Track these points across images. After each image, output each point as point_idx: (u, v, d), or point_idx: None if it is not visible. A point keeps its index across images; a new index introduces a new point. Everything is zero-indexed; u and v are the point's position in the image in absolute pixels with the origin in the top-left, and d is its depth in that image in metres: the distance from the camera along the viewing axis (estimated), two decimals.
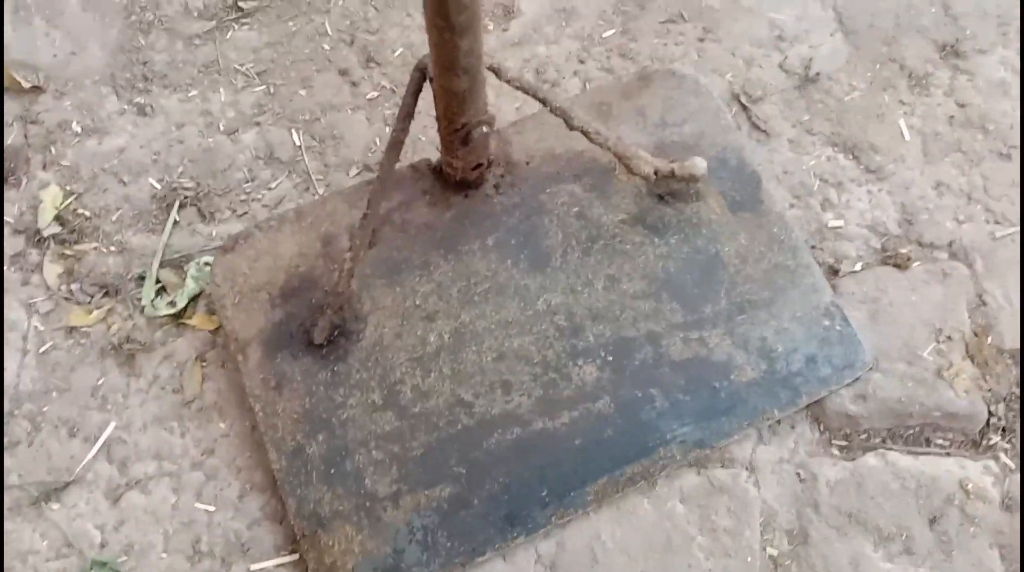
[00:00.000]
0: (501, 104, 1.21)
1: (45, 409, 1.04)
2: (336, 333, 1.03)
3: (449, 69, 0.83)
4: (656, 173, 1.06)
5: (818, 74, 1.23)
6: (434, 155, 1.13)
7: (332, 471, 0.97)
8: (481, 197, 1.11)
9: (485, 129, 0.96)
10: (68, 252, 1.12)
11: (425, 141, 1.18)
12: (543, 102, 1.02)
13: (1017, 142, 1.19)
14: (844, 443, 1.02)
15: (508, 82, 1.00)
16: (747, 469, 1.00)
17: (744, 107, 1.21)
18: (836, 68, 1.24)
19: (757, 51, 1.25)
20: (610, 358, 1.02)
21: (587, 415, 0.99)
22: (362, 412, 1.00)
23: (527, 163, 1.13)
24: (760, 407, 0.99)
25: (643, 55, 1.25)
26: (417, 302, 1.05)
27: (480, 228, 1.09)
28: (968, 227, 1.13)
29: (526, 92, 1.01)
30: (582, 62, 1.26)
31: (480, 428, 0.99)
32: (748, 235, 1.08)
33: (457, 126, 0.94)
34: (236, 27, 1.27)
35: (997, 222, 1.14)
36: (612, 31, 1.28)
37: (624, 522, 0.97)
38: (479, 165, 1.07)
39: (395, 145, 0.98)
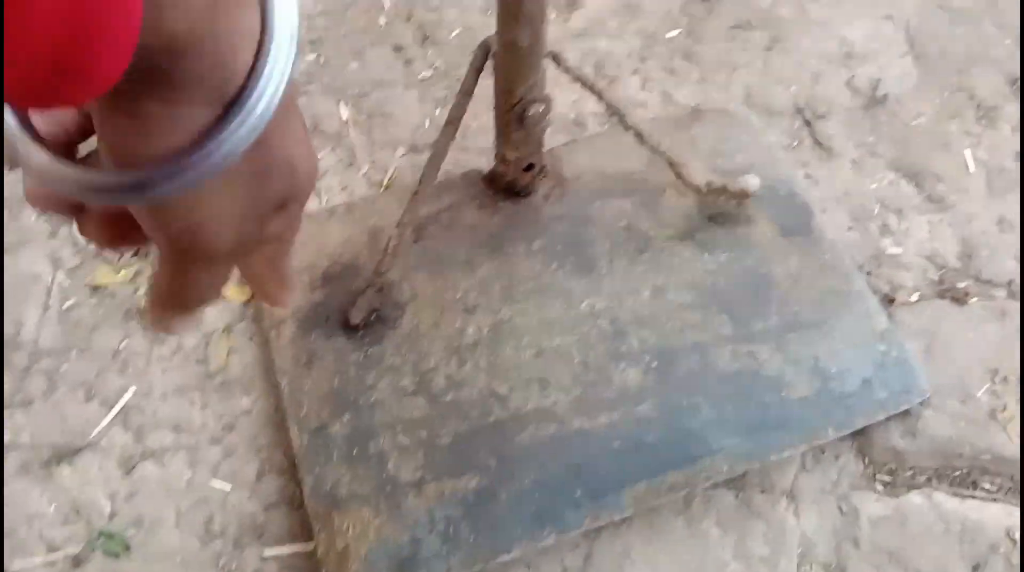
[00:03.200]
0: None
1: (63, 368, 1.00)
2: (373, 317, 0.99)
3: (513, 16, 0.81)
4: (708, 185, 1.03)
5: (885, 96, 1.19)
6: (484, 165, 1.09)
7: (355, 452, 0.93)
8: (530, 205, 1.08)
9: (541, 109, 0.93)
10: None
11: (475, 146, 1.14)
12: (599, 95, 0.99)
13: None
14: (888, 479, 0.98)
15: (567, 71, 0.97)
16: (787, 497, 0.96)
17: (807, 123, 1.17)
18: (904, 92, 1.21)
19: (825, 66, 1.22)
20: (654, 364, 0.98)
21: (628, 418, 0.95)
22: (392, 396, 0.96)
23: (578, 179, 1.11)
24: (813, 425, 0.95)
25: (707, 59, 1.21)
26: (458, 295, 1.01)
27: (527, 232, 1.06)
28: None
29: (583, 85, 0.98)
30: (643, 60, 1.22)
31: (514, 422, 0.95)
32: (799, 259, 1.05)
33: (515, 99, 0.91)
34: None
35: None
36: (677, 32, 1.24)
37: (656, 540, 0.93)
38: (531, 166, 1.03)
39: (453, 121, 0.94)
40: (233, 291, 1.04)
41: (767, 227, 1.07)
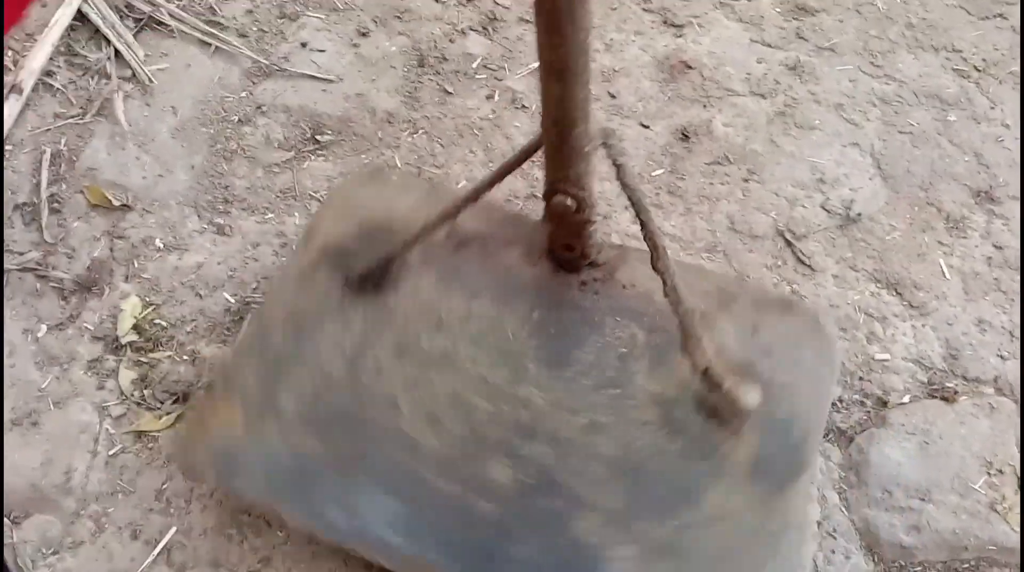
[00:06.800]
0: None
1: (110, 510, 1.06)
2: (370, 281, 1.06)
3: (549, 71, 0.77)
4: (706, 371, 0.92)
5: (859, 215, 1.30)
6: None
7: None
8: (561, 279, 1.07)
9: (569, 202, 0.88)
10: (143, 359, 1.17)
11: None
12: (641, 220, 0.92)
13: None
14: None
15: (620, 180, 0.91)
16: None
17: (788, 243, 1.27)
18: (876, 210, 1.31)
19: (800, 192, 1.33)
20: (530, 483, 0.94)
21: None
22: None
23: (624, 288, 1.06)
24: None
25: (690, 193, 1.33)
26: (441, 315, 1.05)
27: (536, 300, 1.06)
28: (1012, 364, 1.16)
29: (630, 197, 0.92)
30: None
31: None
32: (754, 516, 0.92)
33: (546, 185, 0.89)
34: (312, 158, 1.37)
35: None
36: (661, 170, 1.36)
37: None
38: (570, 247, 1.02)
39: (505, 169, 0.97)
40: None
41: (744, 453, 0.95)
